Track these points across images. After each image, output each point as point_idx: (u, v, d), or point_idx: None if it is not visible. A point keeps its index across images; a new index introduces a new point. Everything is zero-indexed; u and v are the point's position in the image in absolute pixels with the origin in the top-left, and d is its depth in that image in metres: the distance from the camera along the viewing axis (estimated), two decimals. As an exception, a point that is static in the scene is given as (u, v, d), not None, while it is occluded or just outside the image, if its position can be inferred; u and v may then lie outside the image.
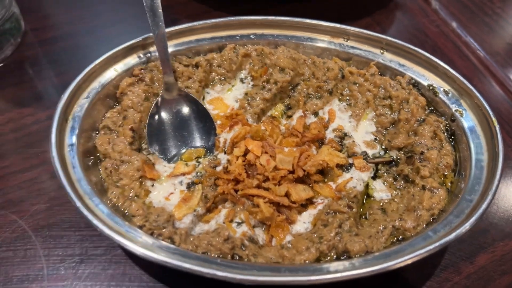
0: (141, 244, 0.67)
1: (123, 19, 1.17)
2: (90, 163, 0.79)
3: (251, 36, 0.94)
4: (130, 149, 0.80)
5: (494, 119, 0.79)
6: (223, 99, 0.91)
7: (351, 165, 0.82)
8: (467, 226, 0.68)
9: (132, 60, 0.88)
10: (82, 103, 0.81)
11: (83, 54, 1.07)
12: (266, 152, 0.79)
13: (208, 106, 0.90)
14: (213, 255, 0.69)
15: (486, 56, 1.13)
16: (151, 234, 0.70)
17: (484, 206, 0.70)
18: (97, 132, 0.83)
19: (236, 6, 1.19)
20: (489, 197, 0.71)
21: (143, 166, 0.78)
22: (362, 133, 0.88)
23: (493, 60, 1.13)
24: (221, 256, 0.69)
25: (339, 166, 0.81)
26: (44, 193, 0.85)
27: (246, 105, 0.88)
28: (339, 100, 0.92)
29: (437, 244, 0.66)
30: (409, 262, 0.65)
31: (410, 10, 1.24)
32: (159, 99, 0.85)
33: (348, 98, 0.91)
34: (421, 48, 1.08)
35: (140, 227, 0.71)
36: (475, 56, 1.13)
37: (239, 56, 0.92)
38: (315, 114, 0.90)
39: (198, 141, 0.85)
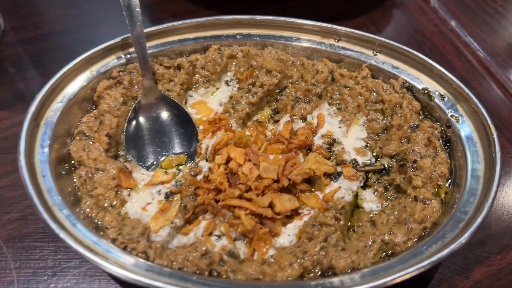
0: (112, 260, 0.62)
1: (108, 18, 1.13)
2: (64, 171, 0.75)
3: (237, 36, 0.90)
4: (105, 156, 0.75)
5: (491, 125, 0.74)
6: (207, 102, 0.87)
7: (339, 173, 0.77)
8: (462, 241, 0.64)
9: (110, 61, 0.84)
10: (56, 108, 0.77)
11: (65, 55, 1.03)
12: (249, 160, 0.75)
13: (190, 110, 0.86)
14: (189, 271, 0.65)
15: (487, 57, 1.08)
16: (124, 248, 0.66)
17: (479, 219, 0.66)
18: (72, 137, 0.79)
19: (227, 5, 1.14)
20: (485, 210, 0.67)
21: (119, 174, 0.74)
22: (353, 139, 0.84)
23: (494, 61, 1.08)
24: (198, 272, 0.65)
25: (327, 175, 0.77)
26: (18, 202, 0.81)
27: (230, 109, 0.84)
28: (329, 104, 0.87)
29: (428, 261, 0.62)
30: (398, 280, 0.61)
31: (407, 8, 1.19)
32: (138, 102, 0.81)
33: (338, 102, 0.87)
34: (419, 49, 1.03)
35: (113, 241, 0.67)
36: (475, 57, 1.08)
37: (224, 57, 0.88)
38: (303, 119, 0.85)
39: (179, 148, 0.81)
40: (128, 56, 0.85)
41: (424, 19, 1.16)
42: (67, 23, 1.09)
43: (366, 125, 0.84)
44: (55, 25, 1.09)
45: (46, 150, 0.73)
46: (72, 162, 0.77)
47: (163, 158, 0.80)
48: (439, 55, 1.06)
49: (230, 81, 0.89)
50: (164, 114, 0.82)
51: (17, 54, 1.04)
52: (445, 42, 1.11)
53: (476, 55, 1.09)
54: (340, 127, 0.84)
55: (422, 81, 0.85)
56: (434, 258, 0.62)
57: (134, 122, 0.80)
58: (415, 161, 0.76)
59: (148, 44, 0.85)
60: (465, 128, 0.78)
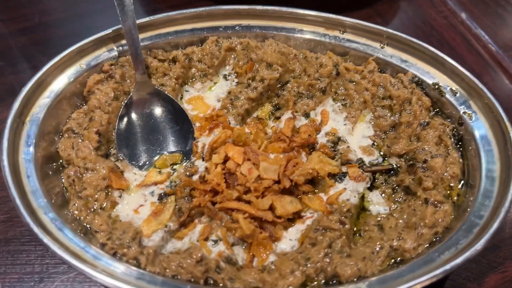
0: (100, 268, 0.58)
1: (101, 8, 1.08)
2: (51, 171, 0.70)
3: (236, 27, 0.85)
4: (95, 155, 0.71)
5: (507, 123, 0.69)
6: (204, 98, 0.82)
7: (344, 174, 0.72)
8: (477, 247, 0.59)
9: (101, 54, 0.79)
10: (43, 103, 0.73)
11: (56, 47, 0.97)
12: (248, 159, 0.70)
13: (186, 106, 0.81)
14: (183, 279, 0.61)
15: (499, 51, 1.03)
16: (114, 255, 0.62)
17: (496, 224, 0.61)
18: (61, 134, 0.74)
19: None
20: (502, 214, 0.62)
21: (109, 174, 0.70)
22: (358, 137, 0.79)
23: (506, 54, 1.03)
24: (192, 280, 0.61)
25: (331, 176, 0.72)
26: (3, 203, 0.77)
27: (229, 105, 0.79)
28: (333, 100, 0.82)
29: (441, 269, 0.58)
30: (408, 291, 0.56)
31: (416, 0, 1.14)
32: (130, 98, 0.76)
33: (343, 97, 0.82)
34: (427, 42, 0.98)
35: (102, 246, 0.63)
36: (486, 51, 1.03)
37: (222, 50, 0.83)
38: (306, 115, 0.81)
39: (173, 146, 0.76)
40: (120, 48, 0.80)
41: (432, 10, 1.11)
42: (58, 14, 1.05)
43: (373, 122, 0.79)
44: (46, 16, 1.04)
45: (31, 148, 0.68)
46: (60, 161, 0.72)
47: (157, 157, 0.75)
48: (448, 48, 1.01)
49: (229, 75, 0.84)
50: (158, 110, 0.77)
51: (6, 46, 0.99)
52: (455, 35, 1.05)
53: (488, 48, 1.04)
54: (345, 124, 0.79)
55: (432, 76, 0.80)
56: (447, 267, 0.58)
57: (126, 119, 0.76)
58: (425, 161, 0.71)
59: (141, 35, 0.80)
60: (479, 126, 0.74)
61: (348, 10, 1.08)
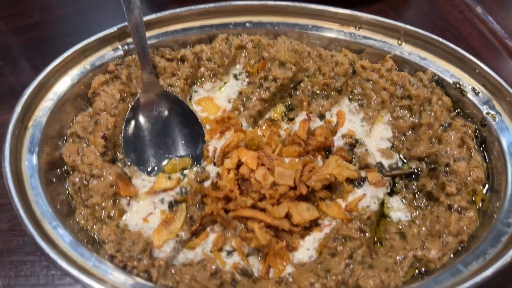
0: (110, 284, 0.55)
1: (105, 3, 1.03)
2: (55, 178, 0.67)
3: (247, 24, 0.81)
4: (102, 161, 0.67)
5: (537, 126, 0.65)
6: (214, 99, 0.79)
7: (363, 179, 0.69)
8: (506, 258, 0.56)
9: (106, 53, 0.75)
10: (46, 106, 0.69)
11: (57, 45, 0.94)
12: (262, 164, 0.67)
13: (195, 108, 0.77)
14: (197, 293, 0.57)
15: (516, 46, 0.99)
16: (124, 268, 0.59)
17: (526, 233, 0.58)
18: (65, 139, 0.71)
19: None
20: (532, 222, 0.59)
21: (117, 181, 0.66)
22: (377, 139, 0.75)
23: (524, 50, 0.98)
24: (207, 294, 0.58)
25: (350, 181, 0.69)
26: (5, 210, 0.73)
27: (240, 106, 0.76)
28: (350, 99, 0.79)
29: (471, 282, 0.55)
30: (436, 305, 0.53)
31: (429, -7, 1.09)
32: (137, 100, 0.73)
33: (360, 97, 0.78)
34: (443, 38, 0.94)
35: (111, 258, 0.60)
36: (504, 46, 0.99)
37: (233, 48, 0.79)
38: (321, 116, 0.77)
39: (183, 150, 0.73)
40: (126, 47, 0.76)
41: (447, 4, 1.07)
42: (58, 10, 1.00)
43: (391, 123, 0.76)
44: (46, 13, 1.00)
45: (34, 155, 0.65)
46: (65, 167, 0.69)
47: (166, 161, 0.72)
48: (465, 44, 0.97)
49: (239, 75, 0.80)
50: (166, 113, 0.74)
51: (5, 45, 0.95)
52: (471, 30, 1.02)
53: (505, 44, 1.00)
54: (362, 126, 0.76)
55: (453, 74, 0.76)
56: (477, 279, 0.55)
57: (133, 122, 0.72)
58: (447, 165, 0.68)
59: (148, 33, 0.76)
60: (504, 127, 0.70)
61: (360, 4, 1.04)
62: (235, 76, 0.80)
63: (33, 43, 0.95)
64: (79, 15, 1.01)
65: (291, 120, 0.77)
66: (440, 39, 0.77)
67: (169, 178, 0.70)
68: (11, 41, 0.95)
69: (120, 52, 0.75)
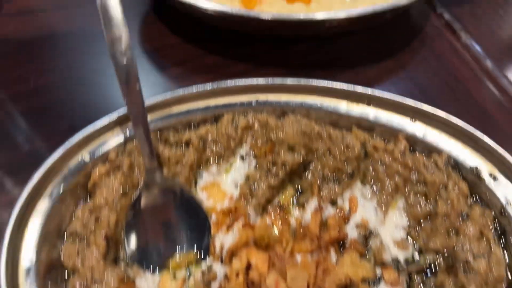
0: None
1: (102, 70, 1.00)
2: (51, 281, 0.63)
3: (253, 103, 0.78)
4: (103, 264, 0.64)
5: (561, 225, 0.62)
6: (220, 184, 0.75)
7: (379, 278, 0.66)
8: None
9: (106, 141, 0.72)
10: (44, 204, 0.65)
11: (53, 116, 0.91)
12: (274, 264, 0.64)
13: (201, 194, 0.74)
14: None
15: (530, 106, 0.96)
16: None
17: None
18: (64, 237, 0.67)
19: (233, 48, 1.02)
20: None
21: (119, 286, 0.63)
22: (391, 228, 0.72)
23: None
24: None
25: (365, 281, 0.65)
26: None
27: (247, 193, 0.72)
28: (362, 183, 0.75)
29: None
30: None
31: (438, 48, 1.07)
32: (139, 193, 0.69)
33: (372, 180, 0.75)
34: (454, 100, 0.93)
35: None
36: (516, 105, 0.96)
37: (239, 129, 0.76)
38: (333, 202, 0.74)
39: (188, 244, 0.69)
40: (127, 132, 0.72)
41: (457, 60, 1.04)
42: (52, 77, 0.96)
43: (406, 210, 0.73)
44: (42, 79, 0.96)
45: (33, 264, 0.61)
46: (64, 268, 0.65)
47: (170, 256, 0.68)
48: (478, 108, 0.94)
49: (246, 156, 0.77)
50: (171, 204, 0.70)
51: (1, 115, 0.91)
52: (482, 89, 0.99)
53: (517, 102, 0.97)
54: (376, 214, 0.73)
55: (469, 157, 0.73)
56: None
57: (135, 217, 0.69)
58: (466, 261, 0.65)
59: (150, 116, 0.73)
60: (525, 220, 0.67)
61: (369, 63, 1.01)
62: (242, 158, 0.77)
63: (30, 111, 0.91)
64: (72, 84, 0.97)
65: (302, 206, 0.74)
66: (454, 120, 0.74)
67: (174, 276, 0.67)
68: (7, 110, 0.91)
69: (121, 139, 0.72)
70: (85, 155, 0.70)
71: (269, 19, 0.87)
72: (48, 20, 1.07)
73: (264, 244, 0.66)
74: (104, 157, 0.71)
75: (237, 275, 0.63)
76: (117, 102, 0.81)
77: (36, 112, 0.91)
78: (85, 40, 1.03)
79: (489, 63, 1.04)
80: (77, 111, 0.90)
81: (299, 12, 0.95)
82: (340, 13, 0.87)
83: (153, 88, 0.82)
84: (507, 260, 0.66)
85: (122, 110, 0.72)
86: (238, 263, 0.64)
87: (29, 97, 0.93)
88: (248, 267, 0.64)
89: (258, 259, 0.63)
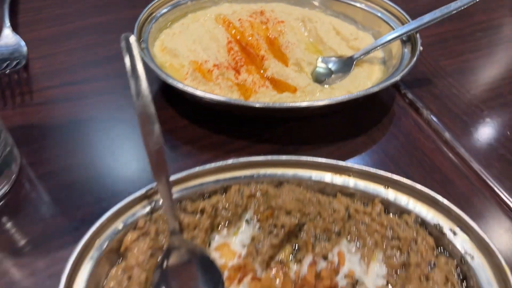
0: None
1: (126, 148, 1.16)
2: (94, 333, 0.75)
3: (254, 175, 0.94)
4: (136, 317, 0.76)
5: (507, 269, 0.78)
6: (230, 244, 0.89)
7: (366, 321, 0.79)
8: None
9: (136, 212, 0.86)
10: (86, 266, 0.78)
11: (81, 191, 1.05)
12: (278, 312, 0.77)
13: (214, 254, 0.88)
14: None
15: (482, 170, 1.15)
16: None
17: None
18: (101, 294, 0.79)
19: (234, 128, 1.20)
20: None
21: (151, 334, 0.75)
22: (374, 277, 0.86)
23: (490, 174, 1.14)
24: None
25: (354, 323, 0.79)
26: None
27: (254, 252, 0.86)
28: (348, 241, 0.91)
29: None
30: None
31: (404, 124, 1.27)
32: (164, 254, 0.83)
33: (356, 238, 0.91)
34: (420, 168, 1.11)
35: None
36: (472, 171, 1.15)
37: (244, 197, 0.92)
38: (325, 257, 0.88)
39: (206, 297, 0.82)
40: (154, 203, 0.88)
41: (420, 135, 1.24)
42: (79, 156, 1.12)
43: (384, 262, 0.88)
44: (69, 159, 1.11)
45: (78, 316, 0.73)
46: (102, 322, 0.77)
47: (191, 309, 0.80)
48: (439, 173, 1.12)
49: (251, 220, 0.92)
50: (190, 263, 0.84)
51: (33, 192, 1.05)
52: (443, 159, 1.17)
53: (473, 169, 1.15)
54: (360, 265, 0.87)
55: (433, 216, 0.90)
56: None
57: (161, 274, 0.82)
58: (437, 303, 0.79)
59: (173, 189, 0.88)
60: (480, 267, 0.82)
61: (346, 138, 1.20)
62: (247, 221, 0.92)
63: (60, 188, 1.05)
64: (99, 161, 1.13)
65: (299, 261, 0.88)
66: (419, 187, 0.91)
67: (195, 326, 0.79)
68: (41, 187, 1.05)
69: (148, 210, 0.87)
70: (118, 224, 0.84)
71: (261, 107, 1.07)
72: (73, 108, 1.25)
73: (270, 294, 0.79)
74: (134, 225, 0.85)
75: (249, 322, 0.76)
76: (138, 178, 0.98)
77: (65, 188, 1.05)
78: (108, 124, 1.20)
79: (447, 135, 1.24)
80: (102, 186, 1.05)
81: (287, 100, 1.16)
82: (320, 102, 1.07)
83: (168, 162, 0.99)
84: (469, 301, 0.81)
85: (148, 187, 0.87)
86: (249, 312, 0.77)
87: (58, 176, 1.08)
88: (258, 314, 0.77)
89: (266, 306, 0.76)
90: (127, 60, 0.76)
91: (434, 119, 1.29)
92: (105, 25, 1.54)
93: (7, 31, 1.38)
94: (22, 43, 1.37)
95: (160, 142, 0.80)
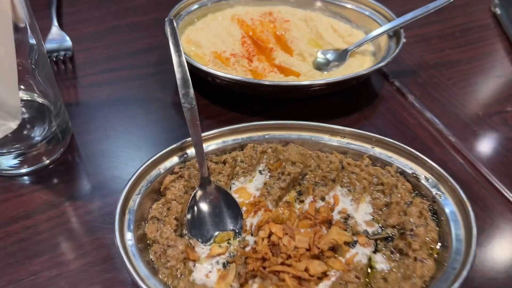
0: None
1: (155, 120, 1.39)
2: (142, 248, 0.96)
3: (266, 136, 1.16)
4: (174, 236, 0.97)
5: (467, 201, 0.99)
6: (246, 188, 1.11)
7: (355, 242, 1.00)
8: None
9: (173, 160, 1.08)
10: (135, 199, 1.00)
11: (118, 156, 1.27)
12: (286, 234, 0.98)
13: (234, 195, 1.09)
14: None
15: (457, 142, 1.36)
16: (198, 308, 0.86)
17: (464, 273, 0.88)
18: (146, 221, 1.01)
19: (247, 107, 1.42)
20: (468, 265, 0.89)
21: (186, 249, 0.95)
22: (362, 214, 1.07)
23: (464, 145, 1.35)
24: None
25: (346, 243, 0.99)
26: (99, 275, 1.00)
27: (266, 193, 1.08)
28: (341, 186, 1.12)
29: (430, 306, 0.84)
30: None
31: (391, 104, 1.49)
32: (196, 192, 1.04)
33: (348, 185, 1.12)
34: (404, 138, 1.32)
35: (189, 302, 0.87)
36: (448, 143, 1.36)
37: (258, 153, 1.13)
38: (323, 199, 1.09)
39: (228, 225, 1.03)
40: (186, 155, 1.10)
41: (405, 113, 1.45)
42: (119, 127, 1.34)
43: (371, 203, 1.09)
44: (109, 129, 1.33)
45: (130, 232, 0.94)
46: (147, 241, 0.98)
47: (217, 234, 1.01)
48: (420, 143, 1.34)
49: (263, 171, 1.14)
50: (216, 200, 1.05)
51: (80, 156, 1.27)
52: (424, 132, 1.39)
53: (449, 140, 1.37)
54: (351, 205, 1.08)
55: (411, 167, 1.11)
56: (434, 303, 0.84)
57: (193, 207, 1.03)
58: (412, 230, 1.00)
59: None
60: (447, 203, 1.03)
61: (342, 115, 1.42)
62: (260, 172, 1.14)
63: (101, 154, 1.27)
64: (136, 130, 1.35)
65: (301, 202, 1.09)
66: (401, 144, 1.12)
67: (220, 246, 1.00)
68: (85, 152, 1.27)
69: (182, 159, 1.09)
70: (158, 169, 1.06)
71: (270, 84, 1.29)
72: (112, 90, 1.48)
73: (279, 222, 1.00)
74: (171, 170, 1.07)
75: (263, 240, 0.97)
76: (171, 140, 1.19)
77: (99, 154, 1.27)
78: (142, 103, 1.43)
79: (428, 114, 1.46)
80: (139, 143, 1.27)
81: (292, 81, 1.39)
82: (319, 81, 1.30)
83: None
84: (437, 229, 1.02)
85: (182, 141, 1.09)
86: (263, 233, 0.98)
87: (100, 142, 1.30)
88: (270, 235, 0.98)
89: (276, 229, 0.97)
90: (171, 38, 0.99)
91: (417, 101, 1.51)
92: (136, 24, 1.79)
93: (55, 29, 1.63)
94: (67, 38, 1.61)
95: (193, 101, 1.02)
